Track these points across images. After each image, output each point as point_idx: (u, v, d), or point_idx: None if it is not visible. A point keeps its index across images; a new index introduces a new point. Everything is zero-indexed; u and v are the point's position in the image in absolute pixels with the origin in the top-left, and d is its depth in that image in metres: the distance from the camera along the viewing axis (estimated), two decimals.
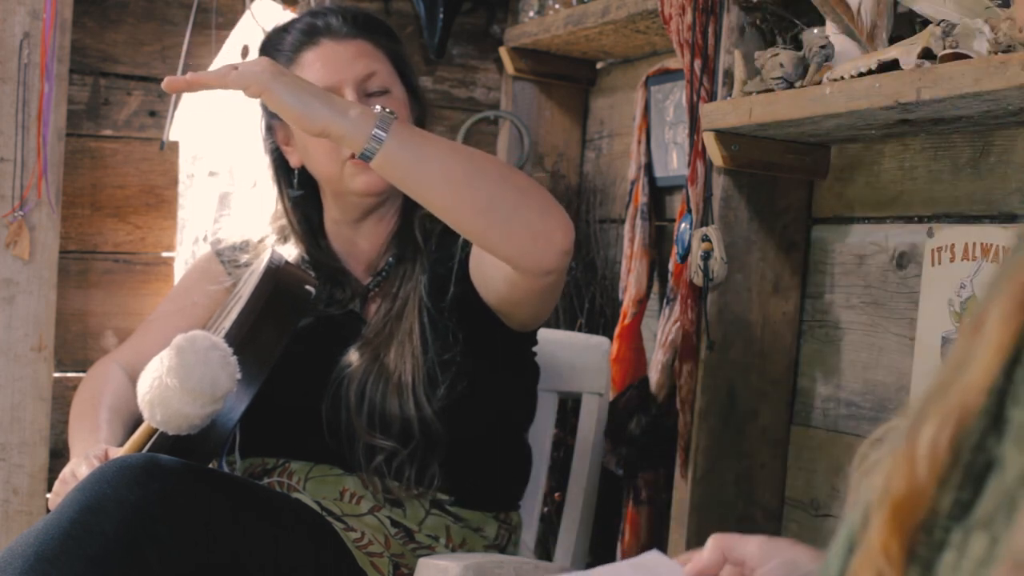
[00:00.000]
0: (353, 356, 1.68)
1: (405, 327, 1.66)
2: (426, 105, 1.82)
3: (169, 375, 1.45)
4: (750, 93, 1.72)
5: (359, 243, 1.80)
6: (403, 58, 1.77)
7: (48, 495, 1.71)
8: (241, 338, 1.56)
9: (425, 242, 1.74)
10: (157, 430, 1.52)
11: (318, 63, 1.71)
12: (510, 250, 1.46)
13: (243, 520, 1.48)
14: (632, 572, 1.14)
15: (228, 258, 1.86)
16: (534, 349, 1.82)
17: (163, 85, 1.42)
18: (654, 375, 2.11)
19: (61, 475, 1.61)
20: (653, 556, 1.12)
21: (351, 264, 1.81)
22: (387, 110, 1.45)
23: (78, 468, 1.55)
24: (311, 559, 1.54)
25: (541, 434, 1.97)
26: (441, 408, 1.64)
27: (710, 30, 1.83)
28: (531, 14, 2.54)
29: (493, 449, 1.73)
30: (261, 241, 1.85)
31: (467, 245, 1.67)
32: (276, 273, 1.65)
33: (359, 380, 1.65)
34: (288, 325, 1.61)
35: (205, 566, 1.43)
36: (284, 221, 1.83)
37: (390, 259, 1.78)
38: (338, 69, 1.70)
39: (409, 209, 1.77)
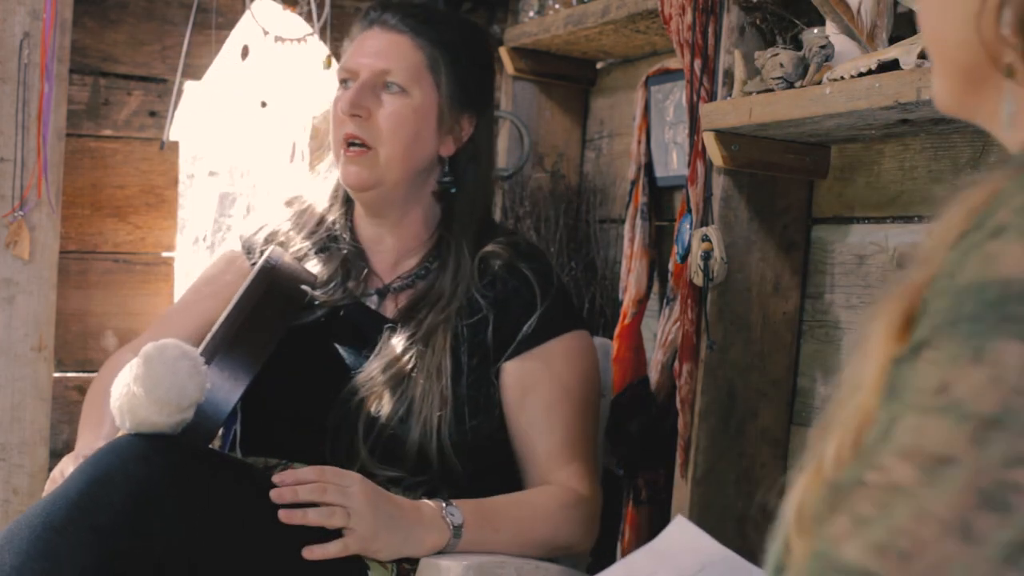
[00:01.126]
0: (368, 376, 1.66)
1: (433, 362, 1.65)
2: (476, 125, 1.77)
3: (136, 384, 1.45)
4: (750, 93, 1.72)
5: (385, 239, 1.80)
6: (442, 66, 1.73)
7: None
8: (231, 336, 1.56)
9: (484, 278, 1.73)
10: None
11: (353, 47, 1.76)
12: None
13: (248, 504, 1.48)
14: (648, 560, 1.14)
15: (252, 248, 1.86)
16: None
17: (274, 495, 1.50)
18: (654, 375, 2.11)
19: (52, 474, 1.61)
20: (678, 525, 1.11)
21: (375, 257, 1.80)
22: (447, 509, 1.57)
23: (67, 468, 1.55)
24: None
25: None
26: (462, 442, 1.64)
27: (710, 30, 1.83)
28: (531, 14, 2.54)
29: (508, 472, 1.73)
30: (287, 232, 1.85)
31: (523, 344, 1.70)
32: (270, 272, 1.65)
33: (371, 410, 1.63)
34: (280, 323, 1.61)
35: (208, 543, 1.43)
36: (311, 204, 1.84)
37: (420, 270, 1.76)
38: (360, 57, 1.74)
39: (455, 232, 1.76)
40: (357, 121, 1.70)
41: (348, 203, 1.82)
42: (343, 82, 1.75)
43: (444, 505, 1.56)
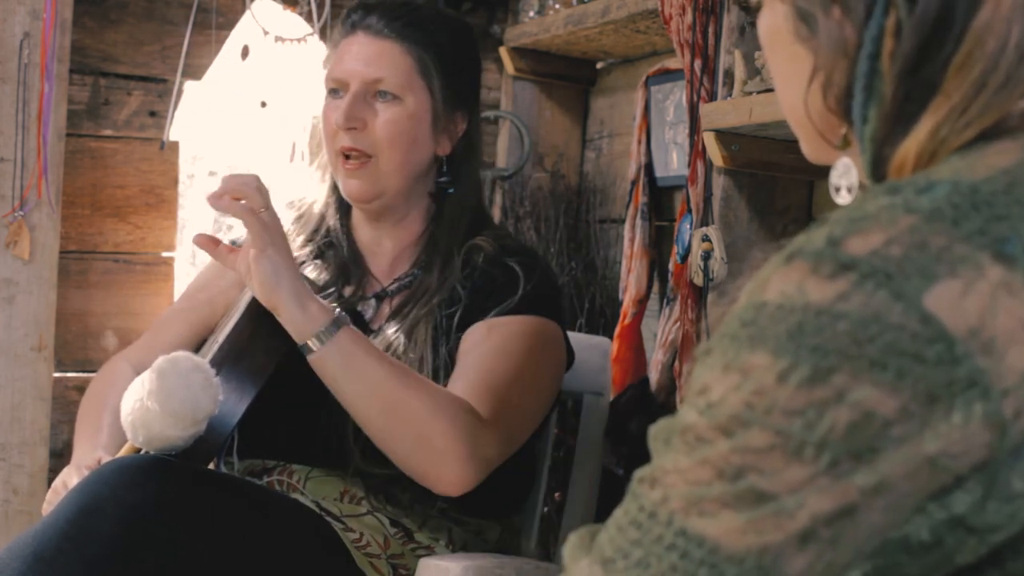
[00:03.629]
0: None
1: (415, 356, 1.64)
2: (468, 121, 1.76)
3: (150, 398, 1.44)
4: (750, 93, 1.72)
5: (383, 242, 1.79)
6: (433, 70, 1.70)
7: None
8: (237, 350, 1.55)
9: (466, 269, 1.71)
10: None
11: (341, 55, 1.73)
12: (405, 471, 1.55)
13: (241, 522, 1.48)
14: None
15: None
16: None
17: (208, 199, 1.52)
18: (654, 375, 2.11)
19: (53, 485, 1.60)
20: None
21: (373, 259, 1.79)
22: (341, 313, 1.54)
23: (69, 478, 1.55)
24: (310, 561, 1.54)
25: (541, 434, 1.96)
26: None
27: (710, 30, 1.83)
28: (531, 14, 2.54)
29: (496, 469, 1.71)
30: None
31: (486, 313, 1.65)
32: None
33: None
34: (286, 336, 1.60)
35: (202, 568, 1.42)
36: (310, 204, 1.83)
37: (416, 271, 1.76)
38: (348, 65, 1.70)
39: (446, 228, 1.75)
40: (353, 134, 1.68)
41: (345, 207, 1.81)
42: (332, 91, 1.72)
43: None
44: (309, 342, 1.51)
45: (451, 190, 1.75)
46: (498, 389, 1.59)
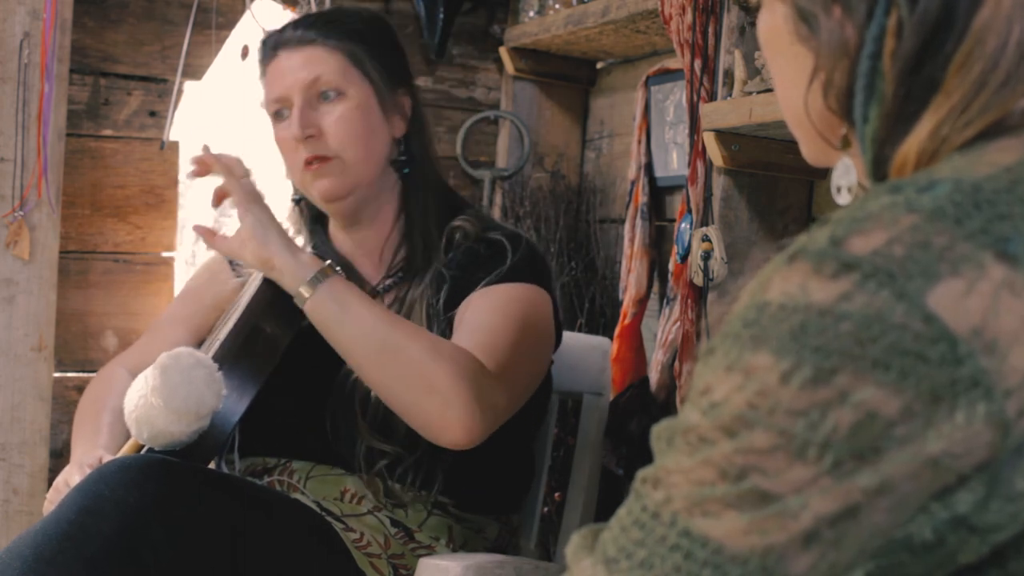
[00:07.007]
0: None
1: None
2: (411, 98, 1.78)
3: (154, 395, 1.44)
4: (750, 93, 1.72)
5: (363, 244, 1.79)
6: (363, 56, 1.72)
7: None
8: (237, 347, 1.56)
9: (449, 251, 1.72)
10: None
11: (270, 78, 1.73)
12: (411, 423, 1.53)
13: (241, 521, 1.48)
14: None
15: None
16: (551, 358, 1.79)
17: (192, 163, 1.63)
18: (654, 375, 2.11)
19: (55, 484, 1.60)
20: None
21: (359, 262, 1.79)
22: (336, 267, 1.57)
23: (71, 477, 1.55)
24: (310, 561, 1.54)
25: (541, 434, 1.97)
26: None
27: (710, 30, 1.83)
28: (531, 14, 2.54)
29: (498, 456, 1.71)
30: None
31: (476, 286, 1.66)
32: (275, 282, 1.65)
33: (365, 386, 1.63)
34: (286, 333, 1.60)
35: (203, 568, 1.43)
36: (305, 217, 1.83)
37: (402, 262, 1.76)
38: (283, 80, 1.70)
39: (415, 208, 1.76)
40: (310, 142, 1.68)
41: (320, 222, 1.81)
42: (276, 114, 1.73)
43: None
44: (303, 289, 1.53)
45: (407, 170, 1.76)
46: (498, 343, 1.58)
